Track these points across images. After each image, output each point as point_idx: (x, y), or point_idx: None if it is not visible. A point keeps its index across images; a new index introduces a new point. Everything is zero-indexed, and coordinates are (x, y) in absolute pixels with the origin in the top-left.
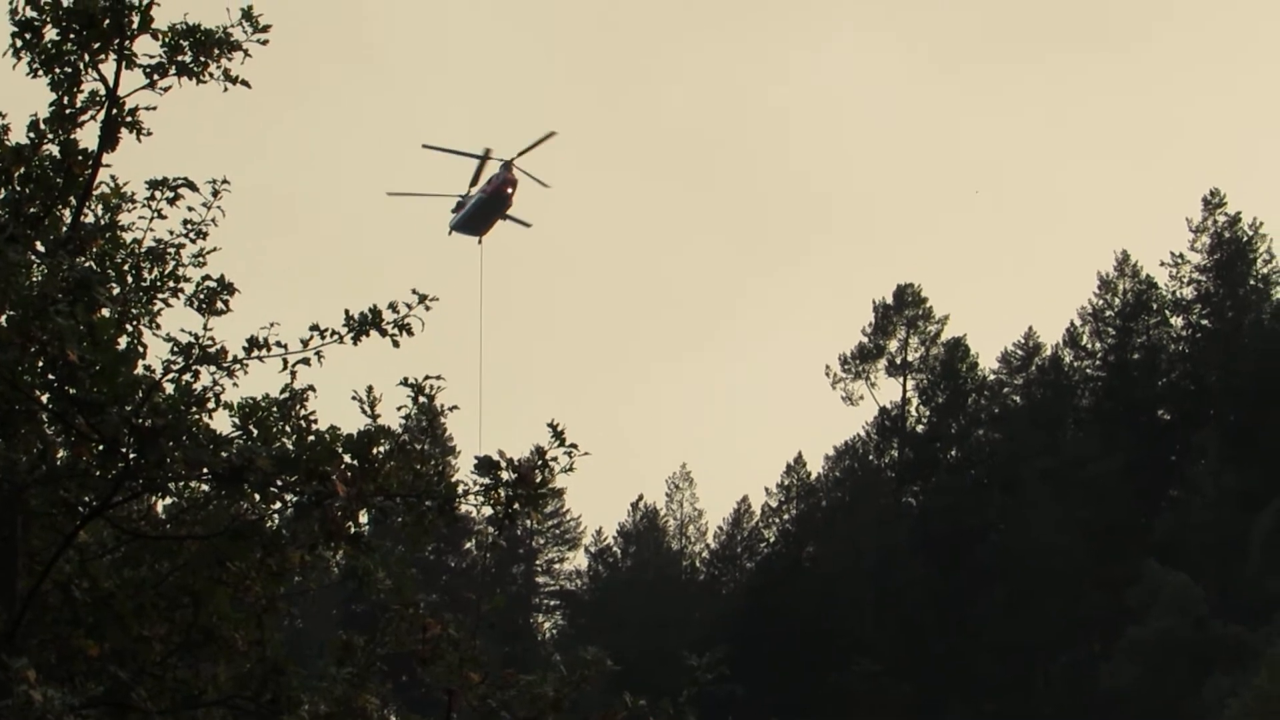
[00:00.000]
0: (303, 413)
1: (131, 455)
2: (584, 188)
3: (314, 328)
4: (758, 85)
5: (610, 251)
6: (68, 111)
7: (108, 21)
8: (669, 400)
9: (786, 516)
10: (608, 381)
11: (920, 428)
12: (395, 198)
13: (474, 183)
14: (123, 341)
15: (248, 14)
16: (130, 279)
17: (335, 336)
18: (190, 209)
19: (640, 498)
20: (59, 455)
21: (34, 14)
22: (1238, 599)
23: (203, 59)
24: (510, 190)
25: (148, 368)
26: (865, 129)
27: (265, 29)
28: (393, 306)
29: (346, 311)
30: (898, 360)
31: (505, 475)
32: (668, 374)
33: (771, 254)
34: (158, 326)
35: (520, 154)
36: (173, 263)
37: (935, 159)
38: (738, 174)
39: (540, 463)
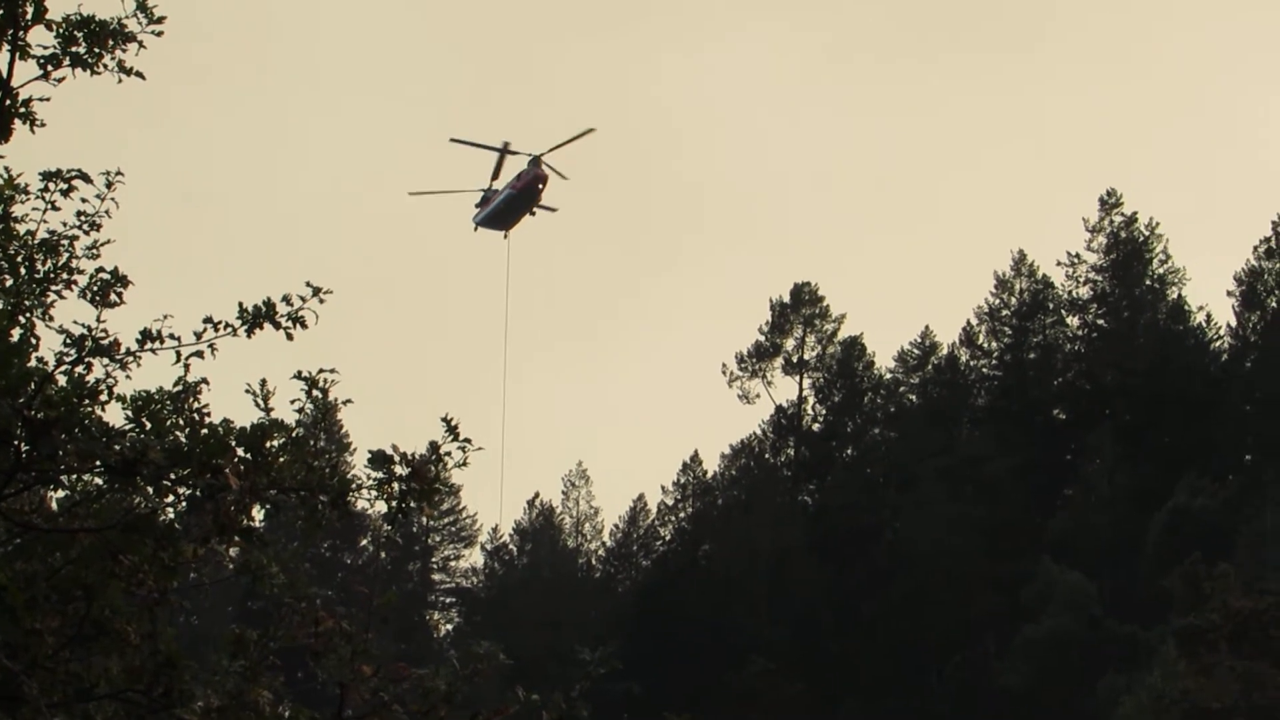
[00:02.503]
0: (196, 406)
1: (23, 448)
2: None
3: (207, 320)
4: (653, 84)
5: (506, 249)
6: None
7: (1, 12)
8: (565, 398)
9: (682, 515)
10: (504, 379)
11: (816, 426)
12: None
13: (495, 176)
14: (15, 333)
15: (142, 5)
16: (23, 271)
17: (229, 329)
18: (84, 200)
19: (536, 495)
20: None
21: None
22: (1132, 598)
23: (97, 50)
24: (541, 186)
25: (40, 360)
26: (762, 127)
27: (160, 20)
28: (286, 299)
29: (240, 304)
30: (794, 359)
31: (399, 470)
32: (564, 372)
33: (669, 252)
34: (50, 318)
35: (552, 149)
36: (66, 254)
37: (832, 158)
38: (634, 172)
39: (434, 457)
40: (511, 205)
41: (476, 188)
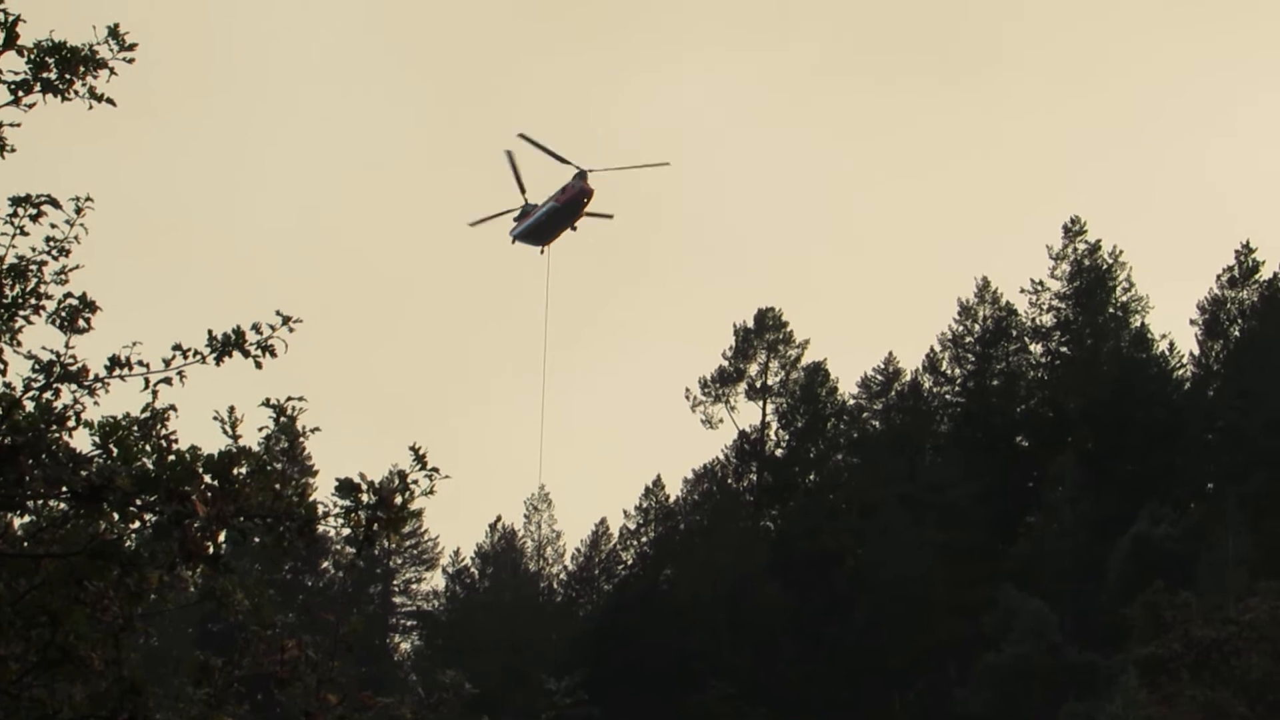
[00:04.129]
0: (163, 432)
1: None
2: (442, 208)
3: (176, 347)
4: (616, 104)
5: (468, 271)
6: None
7: None
8: (528, 421)
9: (645, 539)
10: (467, 401)
11: (779, 452)
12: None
13: (523, 190)
14: None
15: (114, 32)
16: None
17: (197, 356)
18: (53, 226)
19: (498, 519)
20: None
21: None
22: (1093, 626)
23: (68, 76)
24: (586, 200)
25: (8, 385)
26: (726, 152)
27: (131, 47)
28: (256, 327)
29: (209, 331)
30: (758, 384)
31: (366, 498)
32: (527, 394)
33: (633, 275)
34: (19, 344)
35: (611, 169)
36: (35, 280)
37: (796, 183)
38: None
39: (401, 485)
40: (554, 219)
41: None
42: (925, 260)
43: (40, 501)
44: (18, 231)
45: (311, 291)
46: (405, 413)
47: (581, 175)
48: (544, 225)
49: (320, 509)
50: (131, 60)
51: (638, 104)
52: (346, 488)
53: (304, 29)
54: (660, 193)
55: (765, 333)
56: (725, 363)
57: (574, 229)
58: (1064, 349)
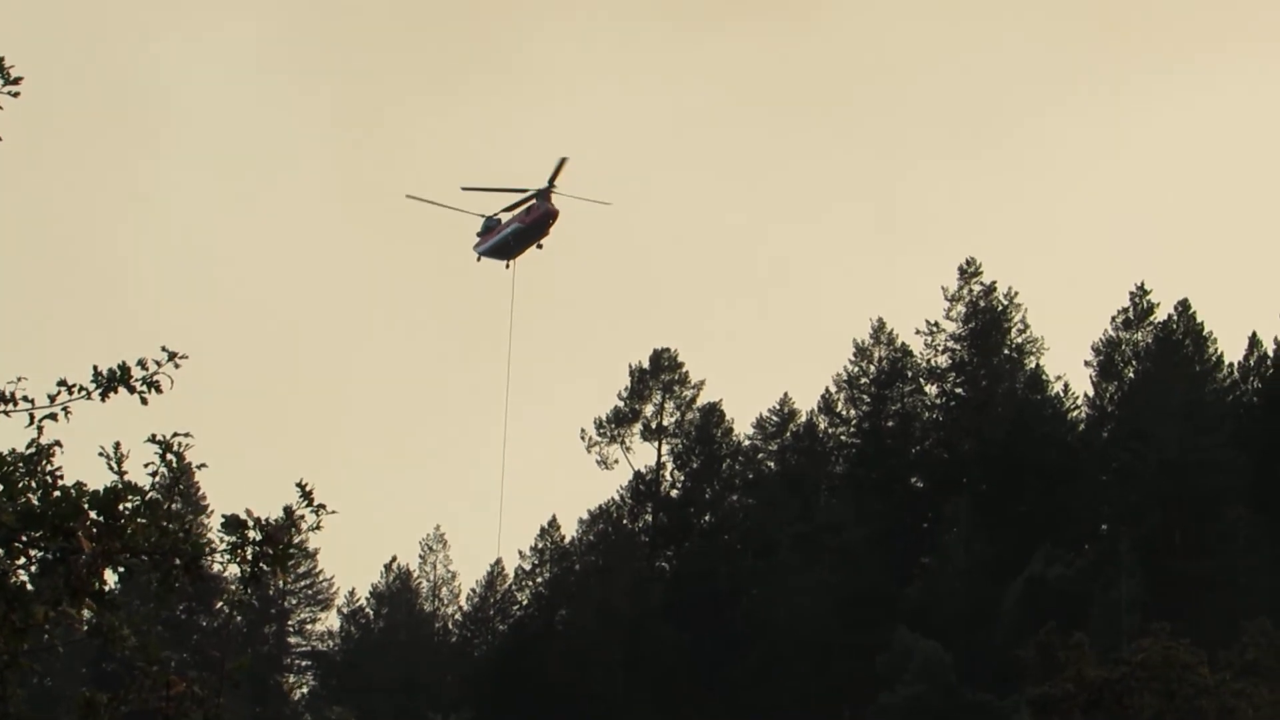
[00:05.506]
0: (49, 468)
1: None
2: (345, 250)
3: (61, 383)
4: (510, 144)
5: (369, 312)
6: None
7: None
8: (423, 461)
9: (540, 579)
10: (362, 441)
11: (675, 492)
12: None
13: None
14: None
15: None
16: None
17: (83, 393)
18: None
19: (393, 559)
20: None
21: None
22: (987, 666)
23: None
24: (551, 221)
25: None
26: (621, 192)
27: (17, 80)
28: (141, 363)
29: (95, 367)
30: (653, 424)
31: (252, 534)
32: (422, 436)
33: (527, 316)
34: None
35: (550, 185)
36: None
37: (693, 223)
38: None
39: (288, 523)
40: (520, 238)
41: (477, 211)
42: (821, 301)
43: None
44: None
45: (198, 330)
46: (300, 452)
47: (545, 196)
48: (509, 244)
49: (208, 545)
50: (17, 94)
51: (531, 145)
52: (232, 524)
53: (197, 61)
54: (554, 234)
55: (661, 373)
56: (621, 403)
57: (540, 246)
58: (959, 390)
